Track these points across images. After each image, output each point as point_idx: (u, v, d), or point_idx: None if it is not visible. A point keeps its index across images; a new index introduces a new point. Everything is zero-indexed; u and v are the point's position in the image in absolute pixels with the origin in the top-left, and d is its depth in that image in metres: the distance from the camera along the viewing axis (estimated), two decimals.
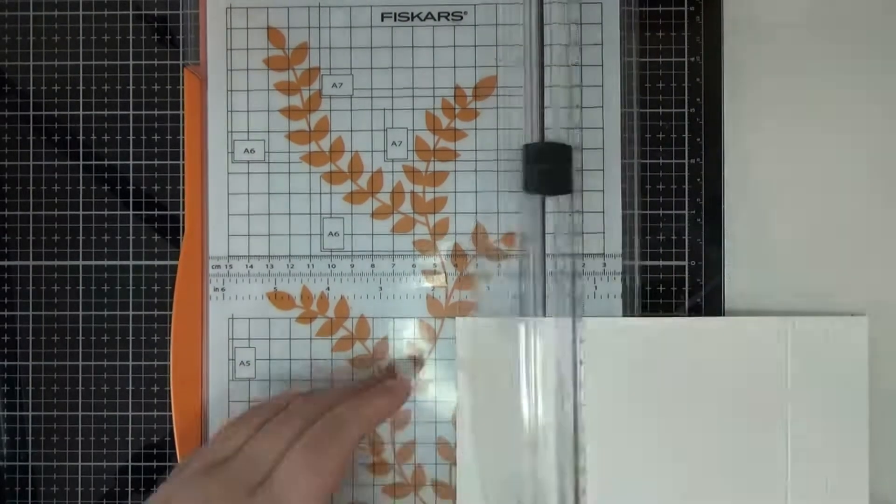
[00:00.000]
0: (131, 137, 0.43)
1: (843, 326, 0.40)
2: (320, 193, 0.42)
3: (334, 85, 0.42)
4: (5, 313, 0.43)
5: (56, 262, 0.43)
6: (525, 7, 0.41)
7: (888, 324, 0.42)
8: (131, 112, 0.43)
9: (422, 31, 0.42)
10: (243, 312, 0.42)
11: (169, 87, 0.43)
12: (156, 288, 0.43)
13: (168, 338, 0.42)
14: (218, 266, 0.42)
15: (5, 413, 0.43)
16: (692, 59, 0.43)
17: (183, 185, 0.43)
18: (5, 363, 0.43)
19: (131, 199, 0.43)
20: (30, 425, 0.43)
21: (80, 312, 0.43)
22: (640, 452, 0.40)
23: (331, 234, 0.42)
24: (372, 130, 0.42)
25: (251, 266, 0.42)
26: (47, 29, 0.44)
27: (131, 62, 0.43)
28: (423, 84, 0.42)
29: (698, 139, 0.43)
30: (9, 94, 0.44)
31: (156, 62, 0.43)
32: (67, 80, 0.43)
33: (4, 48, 0.44)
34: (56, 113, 0.44)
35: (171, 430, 0.42)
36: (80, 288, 0.43)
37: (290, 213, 0.42)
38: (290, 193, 0.42)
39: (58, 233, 0.43)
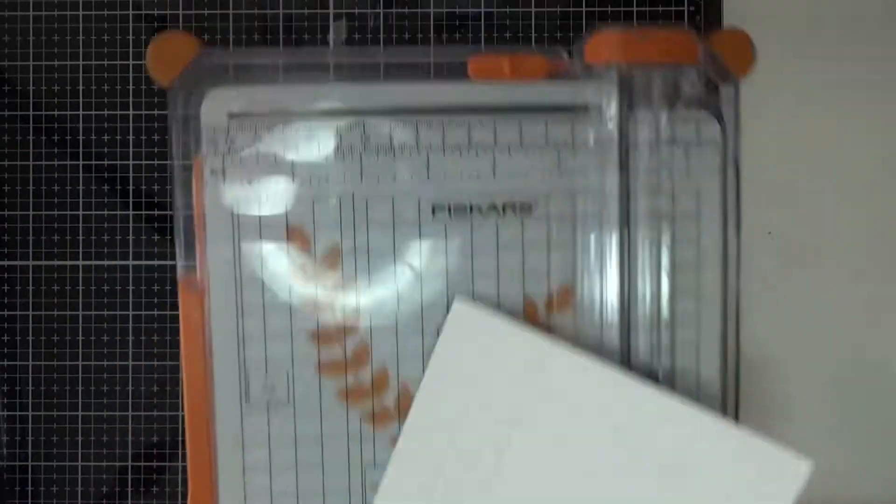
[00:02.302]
0: (131, 137, 0.43)
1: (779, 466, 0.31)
2: (361, 438, 0.34)
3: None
4: (5, 313, 0.43)
5: (56, 262, 0.43)
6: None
7: (892, 319, 0.42)
8: (131, 112, 0.43)
9: (482, 228, 0.33)
10: None
11: None
12: (156, 288, 0.43)
13: (168, 339, 0.42)
14: None
15: (5, 413, 0.43)
16: None
17: (182, 439, 0.36)
18: (5, 363, 0.43)
19: (131, 199, 0.43)
20: (30, 425, 0.43)
21: (80, 312, 0.43)
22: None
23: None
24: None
25: None
26: (47, 29, 0.44)
27: (131, 62, 0.43)
28: (485, 292, 0.33)
29: None
30: (9, 94, 0.44)
31: None
32: (67, 80, 0.43)
33: (4, 48, 0.44)
34: (56, 113, 0.43)
35: (171, 430, 0.42)
36: (80, 288, 0.43)
37: (322, 464, 0.34)
38: (322, 439, 0.34)
39: (58, 233, 0.43)
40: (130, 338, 0.43)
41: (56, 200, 0.43)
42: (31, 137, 0.44)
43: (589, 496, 0.31)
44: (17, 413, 0.43)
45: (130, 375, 0.43)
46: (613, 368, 0.32)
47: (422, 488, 0.32)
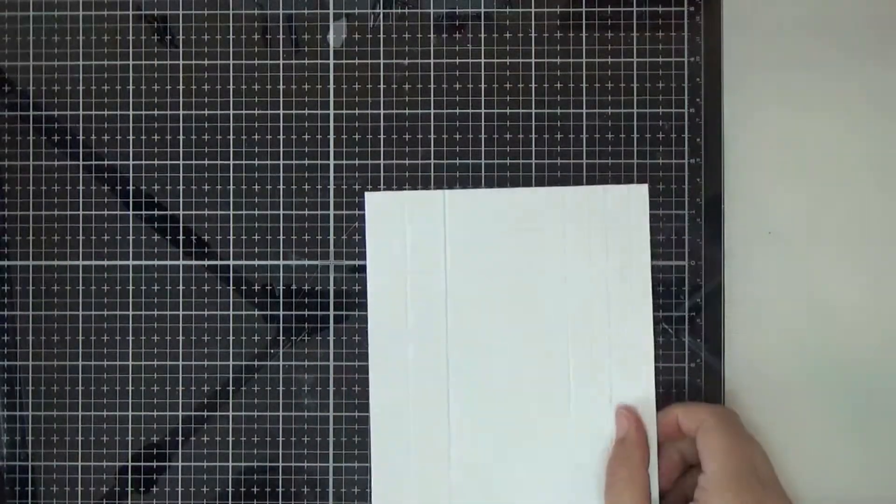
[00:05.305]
0: (131, 137, 0.43)
1: (624, 193, 0.41)
2: None
3: None
4: (5, 313, 0.43)
5: (56, 262, 0.43)
6: None
7: (890, 319, 0.42)
8: (131, 112, 0.43)
9: None
10: None
11: (169, 87, 0.43)
12: (156, 288, 0.43)
13: (168, 339, 0.42)
14: None
15: (5, 413, 0.43)
16: (692, 59, 0.43)
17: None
18: (5, 363, 0.43)
19: (131, 199, 0.43)
20: (30, 425, 0.43)
21: (80, 312, 0.43)
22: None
23: None
24: None
25: None
26: (47, 29, 0.44)
27: (131, 62, 0.43)
28: None
29: (698, 139, 0.42)
30: (9, 94, 0.44)
31: (156, 62, 0.43)
32: (67, 80, 0.43)
33: (4, 48, 0.44)
34: (56, 113, 0.43)
35: (171, 430, 0.42)
36: (80, 288, 0.43)
37: None
38: None
39: (58, 233, 0.43)
40: (130, 338, 0.43)
41: (56, 200, 0.43)
42: (31, 137, 0.44)
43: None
44: (17, 413, 0.43)
45: (130, 375, 0.43)
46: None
47: (397, 356, 0.41)
